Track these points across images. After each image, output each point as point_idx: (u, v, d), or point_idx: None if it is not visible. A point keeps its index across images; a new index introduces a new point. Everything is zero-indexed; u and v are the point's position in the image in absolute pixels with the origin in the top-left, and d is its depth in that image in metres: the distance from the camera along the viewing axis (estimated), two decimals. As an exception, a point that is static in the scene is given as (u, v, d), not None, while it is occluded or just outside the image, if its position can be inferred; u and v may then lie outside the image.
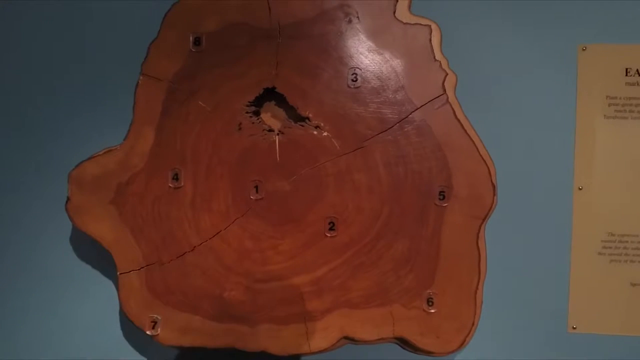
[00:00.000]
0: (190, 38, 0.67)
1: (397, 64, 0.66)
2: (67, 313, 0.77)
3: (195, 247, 0.68)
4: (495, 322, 0.73)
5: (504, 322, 0.74)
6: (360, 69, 0.66)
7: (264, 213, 0.67)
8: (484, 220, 0.66)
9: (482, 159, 0.66)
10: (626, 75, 0.72)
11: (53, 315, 0.77)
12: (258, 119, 0.68)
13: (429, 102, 0.66)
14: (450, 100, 0.66)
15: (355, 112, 0.67)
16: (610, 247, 0.73)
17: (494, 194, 0.66)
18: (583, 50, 0.72)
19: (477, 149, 0.66)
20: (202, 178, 0.68)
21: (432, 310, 0.66)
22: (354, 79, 0.66)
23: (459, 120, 0.66)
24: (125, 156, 0.68)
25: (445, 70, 0.66)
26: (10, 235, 0.78)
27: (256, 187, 0.68)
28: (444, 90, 0.66)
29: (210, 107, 0.68)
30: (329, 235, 0.67)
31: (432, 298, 0.66)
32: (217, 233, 0.68)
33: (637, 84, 0.72)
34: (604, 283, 0.73)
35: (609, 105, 0.72)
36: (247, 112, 0.67)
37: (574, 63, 0.72)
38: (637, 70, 0.72)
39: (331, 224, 0.67)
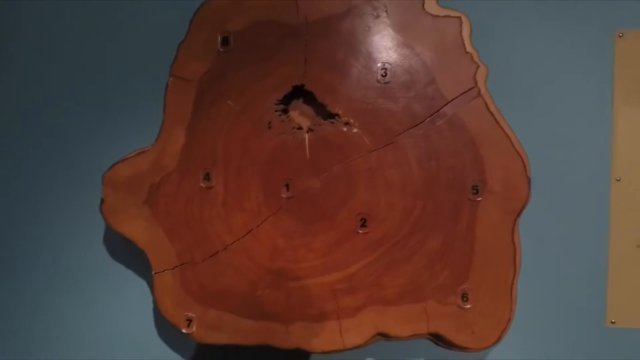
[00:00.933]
0: (219, 38, 0.67)
1: (427, 57, 0.65)
2: (101, 313, 0.79)
3: (227, 245, 0.68)
4: (530, 318, 0.72)
5: (539, 317, 0.73)
6: (390, 64, 0.66)
7: (296, 211, 0.67)
8: (518, 214, 0.65)
9: (517, 152, 0.64)
10: (664, 61, 0.69)
11: (87, 314, 0.79)
12: (287, 117, 0.68)
13: (460, 95, 0.65)
14: (482, 93, 0.65)
15: (385, 107, 0.66)
16: (650, 240, 0.71)
17: (529, 188, 0.64)
18: (620, 36, 0.70)
19: (510, 142, 0.65)
20: (233, 177, 0.68)
21: (467, 306, 0.65)
22: (384, 74, 0.66)
23: (491, 113, 0.65)
24: (157, 157, 0.69)
25: (476, 63, 0.65)
26: (45, 237, 0.80)
27: (287, 185, 0.68)
28: (476, 83, 0.65)
29: (240, 107, 0.68)
30: (360, 232, 0.67)
31: (466, 294, 0.65)
32: (249, 231, 0.68)
33: (676, 71, 0.69)
34: (644, 276, 0.71)
35: (648, 93, 0.70)
36: (275, 111, 0.67)
37: (611, 50, 0.70)
38: (676, 56, 0.69)
39: (363, 221, 0.67)
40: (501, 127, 0.65)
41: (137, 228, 0.69)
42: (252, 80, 0.67)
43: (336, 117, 0.67)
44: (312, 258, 0.67)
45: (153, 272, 0.69)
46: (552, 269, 0.73)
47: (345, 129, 0.67)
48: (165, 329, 0.76)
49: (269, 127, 0.68)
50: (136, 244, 0.69)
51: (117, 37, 0.77)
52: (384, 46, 0.66)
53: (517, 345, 0.73)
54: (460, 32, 0.65)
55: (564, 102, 0.72)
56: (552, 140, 0.72)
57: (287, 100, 0.68)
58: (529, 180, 0.65)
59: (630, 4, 0.70)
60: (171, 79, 0.68)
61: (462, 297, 0.66)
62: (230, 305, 0.68)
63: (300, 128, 0.68)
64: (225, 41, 0.67)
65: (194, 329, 0.69)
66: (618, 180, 0.71)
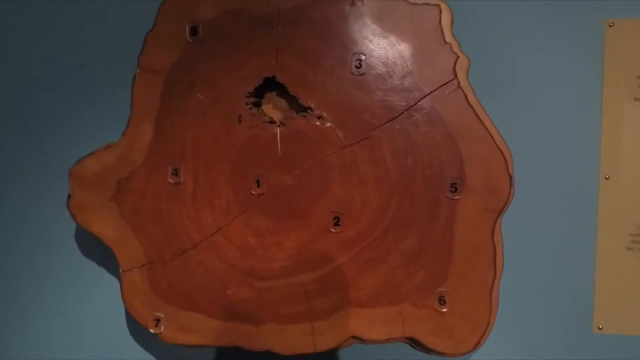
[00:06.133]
0: (187, 27, 0.64)
1: (404, 48, 0.62)
2: (72, 312, 0.77)
3: (196, 243, 0.66)
4: (513, 323, 0.69)
5: (522, 322, 0.70)
6: (365, 55, 0.63)
7: (267, 208, 0.65)
8: (499, 213, 0.62)
9: (498, 147, 0.61)
10: (659, 53, 0.66)
11: (58, 314, 0.77)
12: (259, 111, 0.65)
13: (439, 88, 0.62)
14: (462, 85, 0.61)
15: (360, 100, 0.63)
16: (641, 241, 0.67)
17: (511, 185, 0.61)
18: (610, 26, 0.66)
19: (491, 137, 0.61)
20: (202, 173, 0.66)
21: (444, 310, 0.62)
22: (358, 65, 0.63)
23: (471, 107, 0.61)
24: (124, 152, 0.67)
25: (456, 53, 0.61)
26: (14, 235, 0.78)
27: (257, 181, 0.65)
28: (455, 75, 0.61)
29: (210, 100, 0.65)
30: (334, 231, 0.64)
31: (444, 296, 0.62)
32: (219, 229, 0.66)
33: (671, 63, 0.66)
34: (633, 280, 0.68)
35: (640, 86, 0.66)
36: (247, 104, 0.65)
37: (600, 41, 0.66)
38: (671, 47, 0.65)
39: (336, 220, 0.64)
40: (482, 121, 0.61)
41: (104, 225, 0.67)
42: (222, 72, 0.64)
43: (309, 110, 0.64)
44: (284, 257, 0.65)
45: (120, 271, 0.67)
46: (536, 273, 0.69)
47: (318, 123, 0.64)
48: (138, 328, 0.75)
49: (240, 121, 0.65)
50: (103, 241, 0.67)
51: (84, 28, 0.75)
52: (359, 36, 0.62)
53: (499, 351, 0.70)
54: (440, 21, 0.61)
55: (550, 96, 0.68)
56: (537, 136, 0.69)
57: (259, 93, 0.66)
58: (511, 177, 0.61)
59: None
60: (138, 70, 0.65)
61: (440, 299, 0.63)
62: (199, 305, 0.66)
63: (272, 122, 0.65)
64: (194, 31, 0.64)
65: (162, 329, 0.67)
66: (607, 178, 0.68)
